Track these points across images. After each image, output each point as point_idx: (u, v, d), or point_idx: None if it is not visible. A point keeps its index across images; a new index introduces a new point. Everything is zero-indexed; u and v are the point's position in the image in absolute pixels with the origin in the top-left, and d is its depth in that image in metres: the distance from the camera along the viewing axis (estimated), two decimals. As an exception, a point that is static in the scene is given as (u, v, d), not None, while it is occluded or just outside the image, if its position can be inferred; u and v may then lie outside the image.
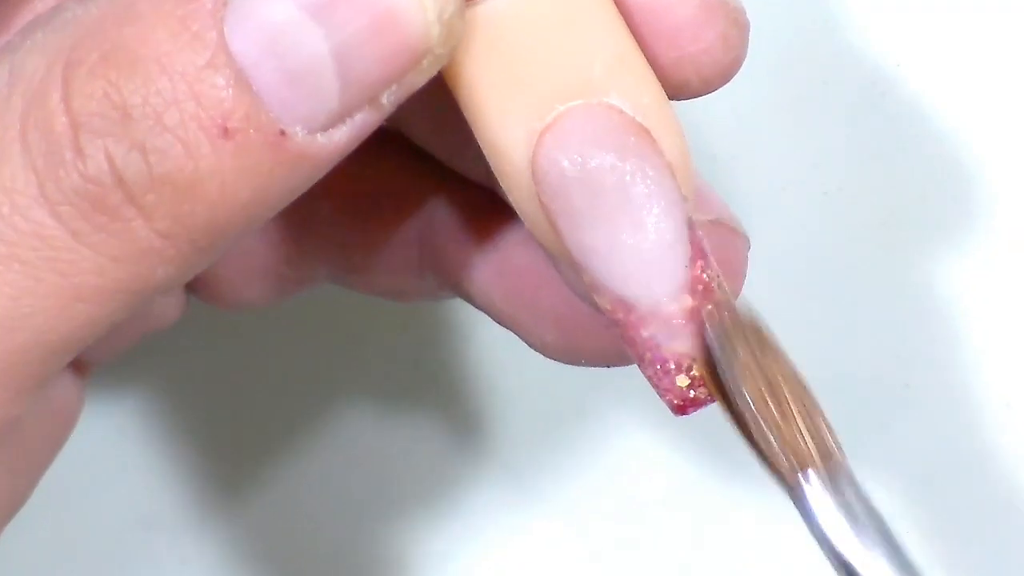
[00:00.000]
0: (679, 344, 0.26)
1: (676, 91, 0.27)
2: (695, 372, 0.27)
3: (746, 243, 0.30)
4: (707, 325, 0.26)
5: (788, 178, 0.40)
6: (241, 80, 0.24)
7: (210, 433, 0.42)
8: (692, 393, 0.27)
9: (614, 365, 0.30)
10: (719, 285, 0.26)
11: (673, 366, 0.27)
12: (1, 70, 0.25)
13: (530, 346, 0.32)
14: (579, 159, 0.26)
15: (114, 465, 0.41)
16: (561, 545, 0.41)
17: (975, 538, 0.39)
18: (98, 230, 0.25)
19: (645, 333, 0.26)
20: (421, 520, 0.41)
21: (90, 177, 0.24)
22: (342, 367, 0.41)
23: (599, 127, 0.26)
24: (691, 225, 0.26)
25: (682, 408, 0.27)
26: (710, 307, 0.26)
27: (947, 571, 0.39)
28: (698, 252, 0.26)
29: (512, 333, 0.32)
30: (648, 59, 0.27)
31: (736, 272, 0.29)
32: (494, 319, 0.32)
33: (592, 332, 0.30)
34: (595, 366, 0.31)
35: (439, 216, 0.32)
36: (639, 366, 0.27)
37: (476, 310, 0.33)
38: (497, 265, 0.32)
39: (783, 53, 0.39)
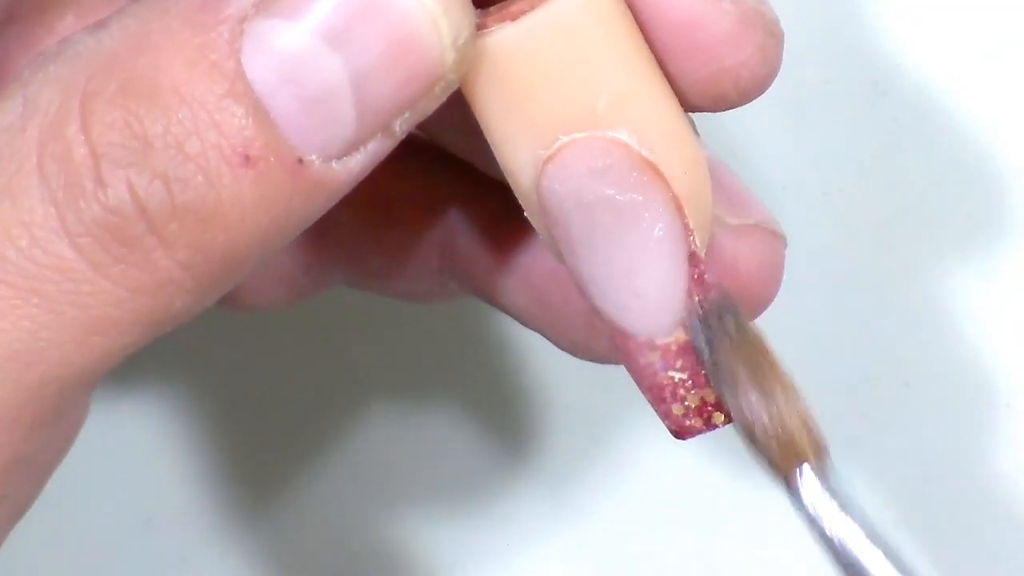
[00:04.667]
0: (674, 375, 0.27)
1: (713, 103, 0.27)
2: (689, 403, 0.27)
3: (784, 244, 0.30)
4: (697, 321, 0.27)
5: (788, 178, 0.40)
6: (260, 109, 0.24)
7: (212, 432, 0.41)
8: (688, 422, 0.27)
9: None
10: (719, 317, 0.27)
11: (668, 395, 0.27)
12: (14, 103, 0.25)
13: (557, 346, 0.32)
14: (577, 191, 0.26)
15: (114, 465, 0.41)
16: (595, 553, 0.41)
17: (973, 537, 0.39)
18: (118, 261, 0.24)
19: (642, 360, 0.27)
20: (429, 520, 0.41)
21: (112, 208, 0.24)
22: (349, 366, 0.41)
23: (599, 161, 0.26)
24: (693, 259, 0.26)
25: (679, 434, 0.27)
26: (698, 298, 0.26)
27: (945, 570, 0.39)
28: (698, 285, 0.26)
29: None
30: (685, 73, 0.27)
31: (774, 275, 0.29)
32: (519, 321, 0.32)
33: None
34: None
35: (461, 221, 0.32)
36: (639, 389, 0.27)
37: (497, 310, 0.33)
38: (522, 270, 0.31)
39: (784, 53, 0.39)
